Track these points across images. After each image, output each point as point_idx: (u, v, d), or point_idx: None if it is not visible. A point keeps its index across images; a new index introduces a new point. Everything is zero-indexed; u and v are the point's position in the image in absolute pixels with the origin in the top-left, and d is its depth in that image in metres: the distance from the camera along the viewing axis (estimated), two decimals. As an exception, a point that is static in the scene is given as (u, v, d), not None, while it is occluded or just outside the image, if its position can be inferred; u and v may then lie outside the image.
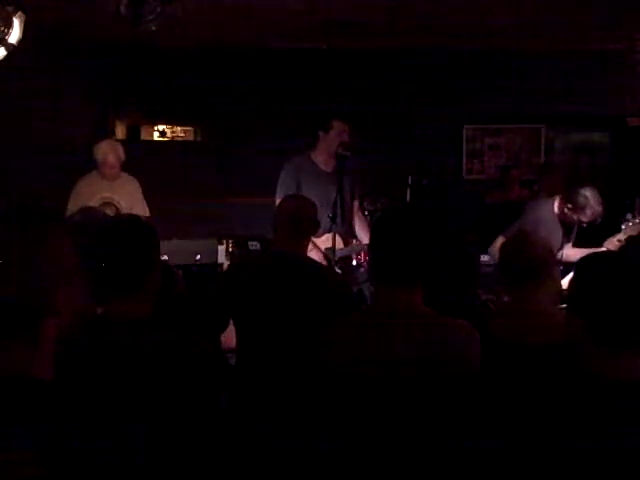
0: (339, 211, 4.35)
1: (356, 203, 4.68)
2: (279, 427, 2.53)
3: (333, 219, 4.13)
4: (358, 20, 5.48)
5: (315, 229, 3.03)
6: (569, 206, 4.24)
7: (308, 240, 3.02)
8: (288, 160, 4.57)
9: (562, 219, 4.33)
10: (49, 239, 1.25)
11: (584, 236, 4.50)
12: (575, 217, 4.23)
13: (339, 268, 4.18)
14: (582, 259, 1.75)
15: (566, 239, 4.39)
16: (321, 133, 4.48)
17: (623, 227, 4.26)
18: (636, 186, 6.54)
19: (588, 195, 4.17)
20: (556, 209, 4.35)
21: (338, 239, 4.34)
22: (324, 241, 4.23)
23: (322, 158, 4.49)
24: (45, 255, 1.22)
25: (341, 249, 4.33)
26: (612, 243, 4.17)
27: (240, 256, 4.68)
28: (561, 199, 4.35)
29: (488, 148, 7.41)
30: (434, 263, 2.14)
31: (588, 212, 4.18)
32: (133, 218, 2.11)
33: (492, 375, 2.13)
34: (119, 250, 1.84)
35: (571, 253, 4.28)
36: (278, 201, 4.37)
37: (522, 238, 2.62)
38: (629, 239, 3.93)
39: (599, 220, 4.20)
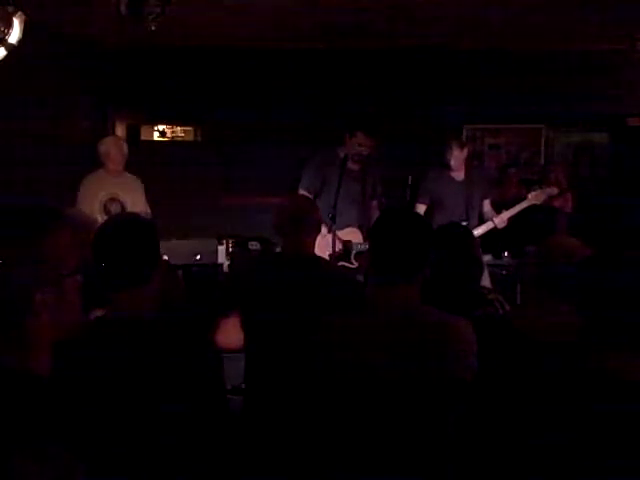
0: (360, 207, 4.69)
1: (374, 202, 4.89)
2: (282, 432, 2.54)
3: (333, 219, 4.19)
4: (358, 21, 5.48)
5: (319, 228, 3.00)
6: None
7: (314, 239, 2.97)
8: (314, 153, 4.71)
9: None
10: (37, 240, 1.25)
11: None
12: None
13: (356, 261, 4.53)
14: (588, 258, 1.75)
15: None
16: (346, 136, 4.62)
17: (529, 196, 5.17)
18: (636, 186, 6.55)
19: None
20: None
21: (359, 233, 4.68)
22: (346, 234, 4.57)
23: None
24: (21, 258, 1.22)
25: (358, 243, 4.57)
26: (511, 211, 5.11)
27: (245, 259, 4.72)
28: None
29: (488, 148, 7.40)
30: (436, 258, 2.15)
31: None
32: (135, 214, 2.11)
33: (517, 370, 2.13)
34: (126, 245, 1.85)
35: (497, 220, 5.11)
36: (301, 191, 4.53)
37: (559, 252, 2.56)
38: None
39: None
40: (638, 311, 1.60)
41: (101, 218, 4.72)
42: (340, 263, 4.53)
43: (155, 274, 1.89)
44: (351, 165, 4.61)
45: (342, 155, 4.61)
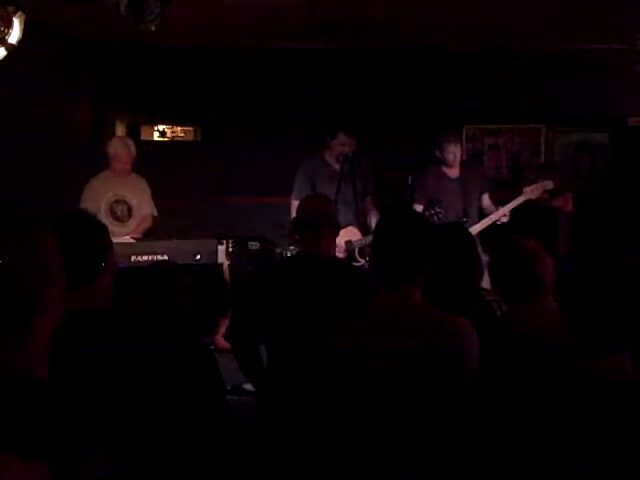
0: (354, 207, 4.71)
1: (369, 199, 4.94)
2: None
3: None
4: (358, 20, 5.48)
5: (337, 228, 2.99)
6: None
7: (332, 239, 2.94)
8: (303, 161, 4.79)
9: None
10: (35, 240, 1.25)
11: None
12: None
13: (362, 257, 4.61)
14: (576, 259, 1.75)
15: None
16: (328, 138, 4.68)
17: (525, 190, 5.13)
18: (636, 186, 6.55)
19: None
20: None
21: (356, 231, 4.75)
22: (344, 234, 4.50)
23: (332, 159, 4.68)
24: (32, 255, 1.23)
25: (358, 240, 4.66)
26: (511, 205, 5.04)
27: (266, 263, 4.72)
28: None
29: (488, 148, 7.40)
30: (436, 259, 2.15)
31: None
32: (84, 213, 2.08)
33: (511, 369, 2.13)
34: (70, 242, 1.81)
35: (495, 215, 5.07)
36: (293, 201, 4.60)
37: (523, 255, 2.57)
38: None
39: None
40: (622, 311, 1.60)
41: (106, 220, 4.71)
42: None
43: (102, 276, 1.85)
44: (336, 167, 4.69)
45: (328, 159, 4.73)
